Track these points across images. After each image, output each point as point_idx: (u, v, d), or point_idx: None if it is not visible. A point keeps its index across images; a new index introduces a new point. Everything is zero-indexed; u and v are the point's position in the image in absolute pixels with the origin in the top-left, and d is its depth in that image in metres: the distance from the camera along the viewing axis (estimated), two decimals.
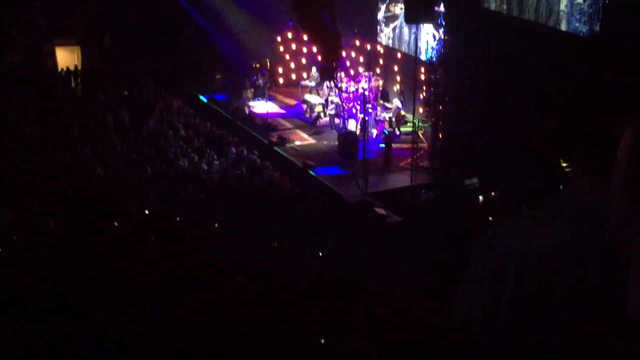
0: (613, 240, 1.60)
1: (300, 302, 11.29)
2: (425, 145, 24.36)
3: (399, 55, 27.80)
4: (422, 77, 25.06)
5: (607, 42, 1.85)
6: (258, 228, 18.22)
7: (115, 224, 17.98)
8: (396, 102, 26.36)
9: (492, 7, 21.05)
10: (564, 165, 19.03)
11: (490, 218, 16.04)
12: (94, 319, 9.33)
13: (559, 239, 1.70)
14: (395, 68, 28.26)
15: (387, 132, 24.44)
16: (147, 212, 18.87)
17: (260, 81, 30.40)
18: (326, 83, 27.36)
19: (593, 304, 1.63)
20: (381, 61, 28.89)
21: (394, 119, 25.93)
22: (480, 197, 20.51)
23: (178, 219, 18.54)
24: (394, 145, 24.17)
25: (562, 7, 18.55)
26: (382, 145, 24.35)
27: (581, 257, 1.67)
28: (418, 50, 24.28)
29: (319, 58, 25.46)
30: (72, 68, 31.91)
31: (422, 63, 24.71)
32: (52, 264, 14.48)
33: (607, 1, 17.02)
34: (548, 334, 1.64)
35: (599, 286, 1.64)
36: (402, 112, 26.19)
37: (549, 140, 1.76)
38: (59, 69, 32.20)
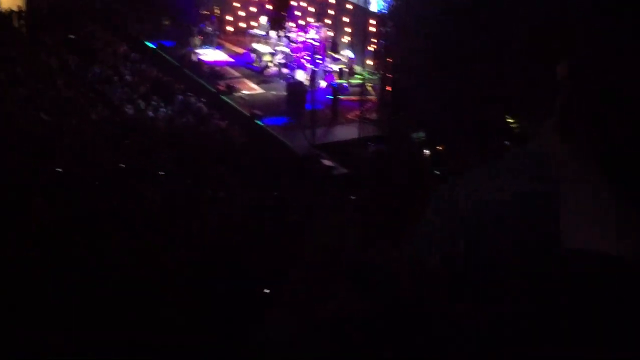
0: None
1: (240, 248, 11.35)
2: (373, 97, 24.39)
3: (349, 6, 27.64)
4: (372, 29, 25.00)
5: None
6: (202, 176, 18.17)
7: (59, 170, 17.76)
8: (347, 53, 26.25)
9: None
10: (510, 120, 19.26)
11: (437, 172, 16.18)
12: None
13: (512, 189, 1.72)
14: (346, 20, 28.13)
15: (335, 85, 24.39)
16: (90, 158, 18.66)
17: (209, 28, 30.03)
18: (275, 32, 27.15)
19: (533, 244, 1.68)
20: (332, 12, 28.72)
21: (346, 70, 25.87)
22: (426, 151, 20.68)
23: (122, 165, 18.38)
24: (342, 97, 24.16)
25: None
26: (330, 97, 24.32)
27: (526, 204, 1.70)
28: (368, 1, 24.18)
29: (269, 7, 25.25)
30: (15, 8, 31.11)
31: (372, 15, 24.63)
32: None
33: None
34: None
35: (538, 228, 1.68)
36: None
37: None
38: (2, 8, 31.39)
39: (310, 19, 28.77)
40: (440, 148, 20.39)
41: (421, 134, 21.15)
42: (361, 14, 25.02)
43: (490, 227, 1.70)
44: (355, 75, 25.85)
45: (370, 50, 24.96)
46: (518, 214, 1.70)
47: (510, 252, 1.66)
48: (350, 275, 1.69)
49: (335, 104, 23.70)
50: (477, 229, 1.71)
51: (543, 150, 1.70)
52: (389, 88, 23.44)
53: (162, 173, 18.40)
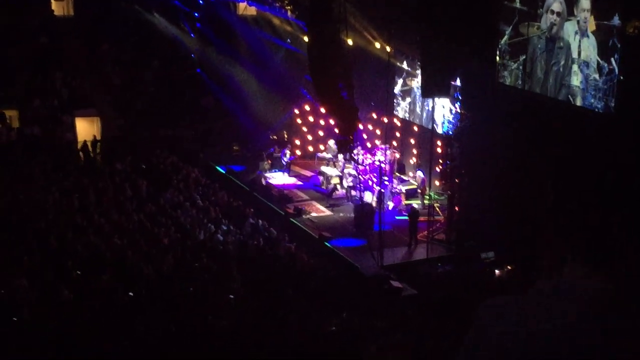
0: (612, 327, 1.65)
1: None
2: (441, 217, 24.30)
3: (415, 128, 27.97)
4: (439, 150, 25.17)
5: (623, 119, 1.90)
6: (275, 299, 18.19)
7: (130, 293, 18.00)
8: (419, 174, 26.27)
9: (508, 82, 21.22)
10: None
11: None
12: None
13: (553, 322, 1.73)
14: (412, 141, 28.41)
15: (414, 206, 23.94)
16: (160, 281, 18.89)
17: (278, 153, 30.60)
18: (342, 155, 27.50)
19: None
20: (397, 134, 29.07)
21: (419, 190, 25.78)
22: (497, 271, 20.40)
23: (191, 289, 18.55)
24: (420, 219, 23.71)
25: (577, 82, 18.67)
26: (400, 217, 24.42)
27: (579, 342, 1.70)
28: (434, 123, 24.44)
29: (336, 130, 25.64)
30: (91, 138, 32.31)
31: (438, 136, 24.84)
32: (64, 334, 14.47)
33: (622, 77, 17.14)
34: None
35: None
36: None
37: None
38: (79, 140, 32.60)
39: (377, 141, 29.12)
40: (510, 268, 20.11)
41: (491, 254, 20.92)
42: (427, 135, 25.27)
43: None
44: (424, 196, 25.86)
45: (437, 171, 25.06)
46: (560, 351, 1.70)
47: None
48: None
49: (412, 226, 23.23)
50: None
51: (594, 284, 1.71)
52: (457, 208, 23.38)
53: (231, 296, 18.48)
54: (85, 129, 33.49)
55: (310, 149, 32.31)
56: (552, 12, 19.36)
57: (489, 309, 1.86)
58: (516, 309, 1.81)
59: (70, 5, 37.45)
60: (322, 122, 31.87)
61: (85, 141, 32.23)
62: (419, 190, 25.86)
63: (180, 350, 13.25)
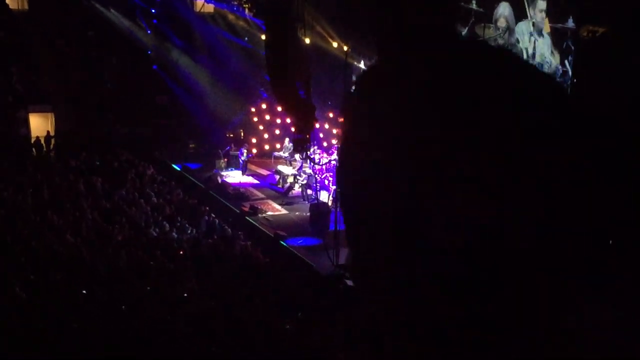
0: None
1: None
2: None
3: None
4: None
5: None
6: (228, 297, 18.15)
7: (84, 291, 17.83)
8: None
9: None
10: None
11: None
12: None
13: None
14: None
15: None
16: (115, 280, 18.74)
17: (239, 153, 30.50)
18: (299, 154, 27.52)
19: None
20: None
21: None
22: None
23: (148, 288, 18.43)
24: None
25: None
26: None
27: None
28: None
29: (293, 129, 25.63)
30: (45, 134, 31.96)
31: None
32: (17, 331, 14.30)
33: (575, 80, 17.41)
34: None
35: None
36: None
37: None
38: (33, 136, 32.24)
39: (334, 141, 29.20)
40: None
41: None
42: None
43: None
44: None
45: None
46: None
47: None
48: None
49: None
50: None
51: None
52: None
53: (185, 295, 18.41)
54: (40, 124, 33.11)
55: (267, 147, 32.30)
56: (502, 15, 19.70)
57: None
58: None
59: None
60: (278, 121, 31.89)
61: (37, 137, 31.86)
62: None
63: (135, 349, 13.17)
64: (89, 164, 28.84)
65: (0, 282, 18.01)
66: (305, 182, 27.33)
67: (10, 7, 36.77)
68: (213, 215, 25.16)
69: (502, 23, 19.67)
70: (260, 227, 24.63)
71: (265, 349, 13.94)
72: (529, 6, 18.87)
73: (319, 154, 27.38)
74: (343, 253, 22.09)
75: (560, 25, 17.88)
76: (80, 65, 35.72)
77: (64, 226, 22.11)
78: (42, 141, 31.53)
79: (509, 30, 19.49)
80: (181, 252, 21.61)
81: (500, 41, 19.86)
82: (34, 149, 31.26)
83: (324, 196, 26.06)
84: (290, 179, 28.24)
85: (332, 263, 21.71)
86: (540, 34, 18.62)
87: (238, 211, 25.88)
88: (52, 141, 32.01)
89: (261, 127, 32.88)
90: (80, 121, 33.31)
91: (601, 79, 15.57)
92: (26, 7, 36.92)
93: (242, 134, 33.09)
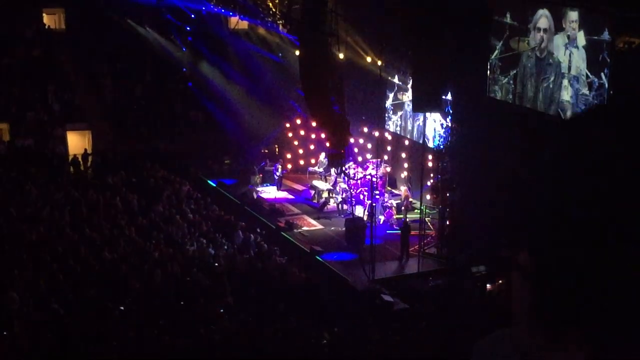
0: None
1: None
2: (432, 232, 24.32)
3: (406, 142, 28.06)
4: (430, 164, 25.23)
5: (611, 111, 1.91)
6: (265, 313, 18.17)
7: (121, 307, 17.95)
8: (403, 189, 26.42)
9: (498, 96, 21.34)
10: None
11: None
12: None
13: None
14: (403, 155, 28.47)
15: (405, 221, 23.90)
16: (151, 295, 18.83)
17: (273, 169, 30.56)
18: (334, 169, 27.52)
19: None
20: (389, 148, 29.14)
21: (402, 207, 25.94)
22: (488, 285, 20.41)
23: (182, 303, 18.51)
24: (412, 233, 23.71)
25: (568, 97, 18.80)
26: (392, 231, 24.48)
27: None
28: (425, 137, 24.49)
29: (328, 144, 25.69)
30: (82, 152, 32.29)
31: (429, 150, 24.90)
32: (55, 347, 14.40)
33: (612, 92, 17.24)
34: None
35: None
36: (410, 199, 26.28)
37: None
38: (70, 153, 32.56)
39: (369, 155, 29.19)
40: (502, 282, 20.12)
41: (482, 268, 20.92)
42: (418, 149, 25.34)
43: None
44: (414, 210, 25.89)
45: (428, 185, 25.10)
46: None
47: None
48: None
49: (404, 240, 23.20)
50: None
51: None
52: (448, 222, 23.40)
53: (222, 310, 18.45)
54: (77, 142, 33.46)
55: (302, 162, 32.34)
56: (539, 29, 19.55)
57: (484, 347, 1.89)
58: (510, 342, 1.83)
59: (62, 19, 37.54)
60: (313, 136, 31.91)
61: (75, 155, 32.20)
62: (402, 208, 25.93)
63: None
64: (126, 181, 29.05)
65: (39, 298, 18.19)
66: (340, 197, 27.33)
67: (48, 26, 37.35)
68: (249, 231, 25.20)
69: (537, 37, 19.57)
70: (296, 242, 24.64)
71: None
72: (563, 17, 18.77)
73: (354, 168, 27.37)
74: (378, 268, 22.04)
75: (596, 37, 17.74)
76: (115, 82, 36.11)
77: (102, 243, 22.28)
78: (80, 159, 31.83)
79: (546, 41, 19.38)
80: (216, 265, 21.67)
81: (538, 54, 19.76)
82: (71, 167, 31.55)
83: (359, 211, 26.02)
84: (325, 194, 28.25)
85: (368, 278, 21.66)
86: (575, 45, 18.50)
87: (274, 227, 25.92)
88: (90, 159, 32.30)
89: (296, 143, 32.93)
90: (117, 139, 33.59)
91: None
92: (63, 26, 37.45)
93: (276, 149, 33.18)
